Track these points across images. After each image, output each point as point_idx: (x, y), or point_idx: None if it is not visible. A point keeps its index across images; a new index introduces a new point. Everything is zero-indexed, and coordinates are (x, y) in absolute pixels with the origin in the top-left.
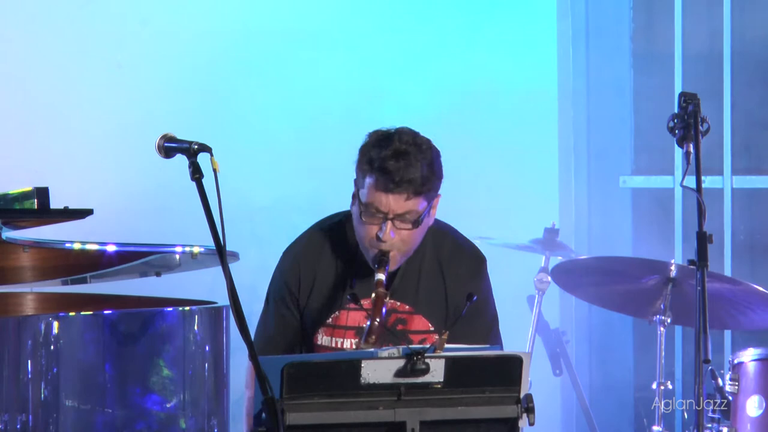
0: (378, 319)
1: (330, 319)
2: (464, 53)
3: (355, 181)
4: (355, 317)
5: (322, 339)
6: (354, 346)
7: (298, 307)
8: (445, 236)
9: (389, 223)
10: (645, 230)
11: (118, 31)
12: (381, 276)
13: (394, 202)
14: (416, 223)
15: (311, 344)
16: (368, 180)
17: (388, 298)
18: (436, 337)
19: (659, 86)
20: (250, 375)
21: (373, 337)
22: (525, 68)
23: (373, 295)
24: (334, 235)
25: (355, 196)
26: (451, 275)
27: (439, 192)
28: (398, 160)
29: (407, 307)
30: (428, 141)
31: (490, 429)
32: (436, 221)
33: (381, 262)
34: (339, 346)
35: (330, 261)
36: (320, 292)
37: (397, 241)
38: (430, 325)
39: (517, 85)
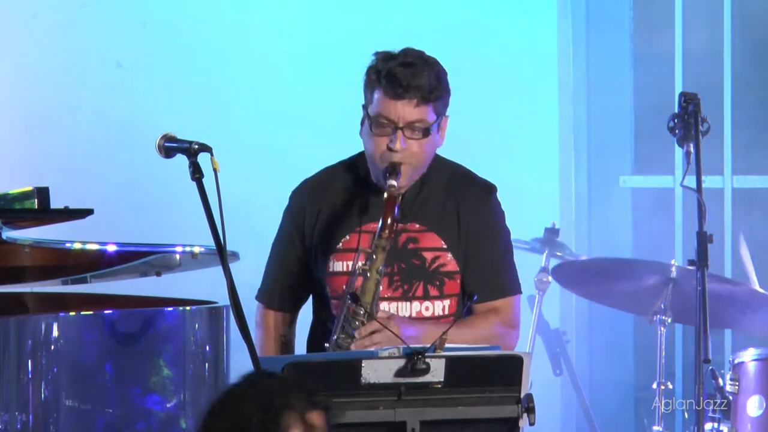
0: (390, 218)
1: (341, 244)
2: (464, 53)
3: (363, 106)
4: (366, 239)
5: (334, 265)
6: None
7: (304, 242)
8: (456, 167)
9: (399, 132)
10: (645, 230)
11: (118, 31)
12: (393, 182)
13: (402, 109)
14: (426, 132)
15: (321, 279)
16: (377, 92)
17: (400, 198)
18: (449, 255)
19: (659, 86)
20: (258, 319)
21: (386, 232)
22: (525, 68)
23: (385, 195)
24: (341, 170)
25: (364, 118)
26: (462, 200)
27: (447, 114)
28: (406, 68)
29: (418, 226)
30: (434, 58)
31: (491, 429)
32: (447, 159)
33: (393, 170)
34: (350, 268)
35: (336, 192)
36: (327, 221)
37: (408, 153)
38: (442, 242)
39: (517, 84)
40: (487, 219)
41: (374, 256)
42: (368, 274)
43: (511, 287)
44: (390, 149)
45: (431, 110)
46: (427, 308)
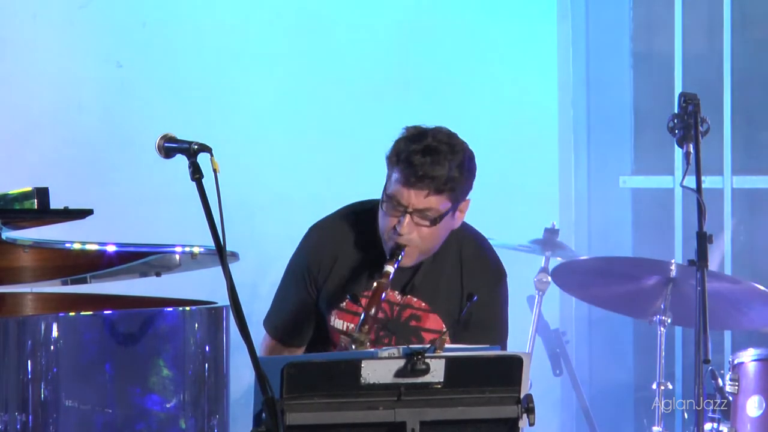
0: (373, 310)
1: (344, 303)
2: (464, 53)
3: (387, 174)
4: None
5: (335, 321)
6: (349, 339)
7: (316, 286)
8: (472, 244)
9: (408, 217)
10: (645, 230)
11: (118, 31)
12: (389, 268)
13: (414, 197)
14: (435, 222)
15: (325, 323)
16: (394, 172)
17: (387, 291)
18: (446, 337)
19: (659, 86)
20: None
21: (367, 327)
22: (525, 68)
23: (375, 284)
24: (363, 222)
25: (384, 189)
26: (470, 282)
27: (469, 197)
28: (425, 155)
29: (424, 304)
30: (464, 143)
31: (490, 429)
32: (468, 227)
33: (393, 254)
34: (350, 330)
35: (354, 246)
36: (339, 275)
37: (415, 236)
38: (444, 326)
39: (517, 84)
40: (492, 308)
41: (353, 347)
42: None
43: None
44: (396, 231)
45: (445, 199)
46: None
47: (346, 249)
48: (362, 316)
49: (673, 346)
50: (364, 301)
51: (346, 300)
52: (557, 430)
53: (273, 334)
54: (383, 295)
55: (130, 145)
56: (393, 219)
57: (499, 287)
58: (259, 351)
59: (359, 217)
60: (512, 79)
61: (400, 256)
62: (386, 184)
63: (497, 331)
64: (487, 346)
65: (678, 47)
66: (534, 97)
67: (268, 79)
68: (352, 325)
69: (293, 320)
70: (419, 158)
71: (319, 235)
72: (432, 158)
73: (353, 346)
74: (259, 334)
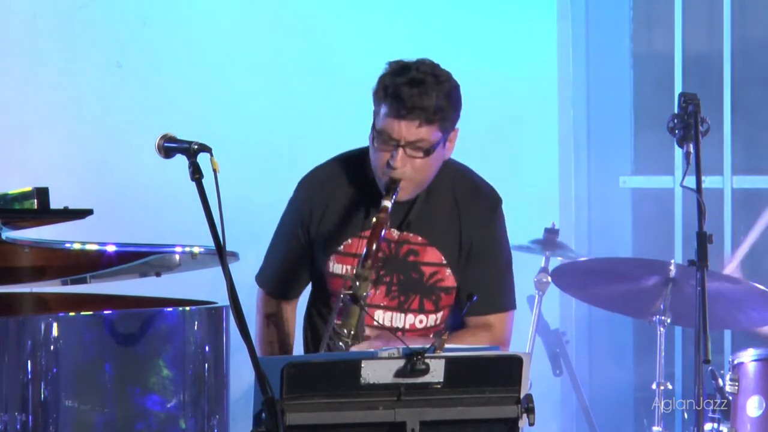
0: (375, 246)
1: (342, 246)
2: (464, 53)
3: (374, 112)
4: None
5: (334, 266)
6: (351, 279)
7: (308, 234)
8: (464, 175)
9: (400, 150)
10: (645, 230)
11: (118, 31)
12: (386, 203)
13: (405, 129)
14: (428, 152)
15: (321, 272)
16: (382, 107)
17: (387, 225)
18: (448, 270)
19: (659, 86)
20: (259, 304)
21: (370, 262)
22: (525, 68)
23: (374, 219)
24: (351, 164)
25: (373, 126)
26: (466, 214)
27: (457, 127)
28: (412, 87)
29: (420, 239)
30: (448, 73)
31: (490, 429)
32: (456, 161)
33: (389, 189)
34: (349, 272)
35: (345, 189)
36: (332, 218)
37: (409, 169)
38: (443, 258)
39: (517, 84)
40: (490, 234)
41: (357, 284)
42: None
43: (507, 303)
44: (390, 165)
45: (436, 129)
46: (420, 321)
47: (337, 193)
48: (364, 252)
49: (673, 346)
50: (362, 244)
51: (344, 243)
52: (557, 430)
53: (267, 288)
54: (383, 230)
55: (130, 145)
56: (385, 154)
57: (496, 213)
58: (254, 311)
59: (347, 162)
60: (512, 78)
61: (396, 190)
62: (374, 120)
63: (501, 261)
64: (497, 292)
65: (678, 47)
66: (534, 96)
67: (268, 79)
68: (352, 267)
69: (287, 272)
70: (407, 90)
71: (309, 183)
72: (419, 89)
73: (357, 283)
74: None
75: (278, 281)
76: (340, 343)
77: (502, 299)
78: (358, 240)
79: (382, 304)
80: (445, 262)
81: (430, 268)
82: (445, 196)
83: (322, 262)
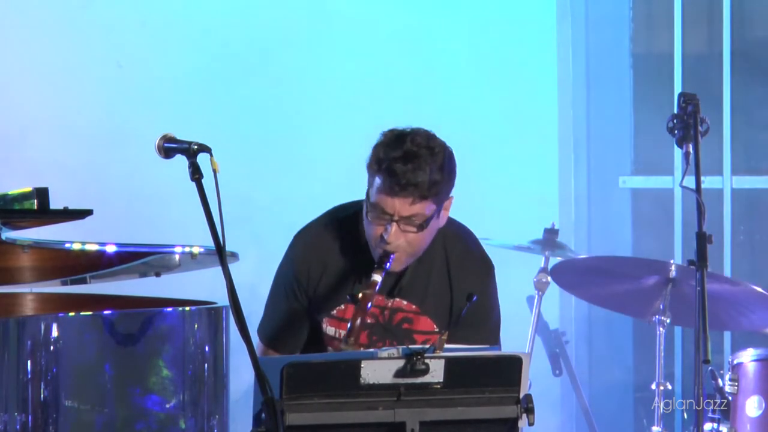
0: (359, 321)
1: (335, 311)
2: (464, 53)
3: (368, 180)
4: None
5: (327, 329)
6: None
7: (306, 295)
8: (457, 239)
9: (394, 224)
10: (645, 230)
11: (118, 31)
12: (376, 277)
13: (399, 205)
14: (422, 227)
15: (316, 329)
16: (376, 180)
17: (374, 300)
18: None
19: (659, 86)
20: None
21: (352, 339)
22: (524, 68)
23: (360, 294)
24: (346, 228)
25: (366, 196)
26: (458, 280)
27: (451, 195)
28: (406, 162)
29: (414, 306)
30: (442, 144)
31: (490, 429)
32: (452, 222)
33: (380, 262)
34: (342, 337)
35: (340, 254)
36: (328, 283)
37: (403, 243)
38: (434, 326)
39: (516, 85)
40: (482, 302)
41: None
42: None
43: None
44: (383, 239)
45: (430, 203)
46: None
47: (333, 257)
48: (348, 327)
49: (673, 346)
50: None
51: (337, 308)
52: (557, 430)
53: (267, 343)
54: (369, 304)
55: (130, 145)
56: (379, 227)
57: (488, 280)
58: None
59: (343, 223)
60: (512, 79)
61: (387, 264)
62: (368, 191)
63: (489, 324)
64: (486, 346)
65: (678, 47)
66: (534, 97)
67: (268, 78)
68: (343, 332)
69: (286, 329)
70: (401, 166)
71: (306, 244)
72: (413, 164)
73: None
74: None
75: (279, 338)
76: None
77: None
78: (351, 306)
79: None
80: (437, 330)
81: (423, 336)
82: (438, 261)
83: (317, 321)
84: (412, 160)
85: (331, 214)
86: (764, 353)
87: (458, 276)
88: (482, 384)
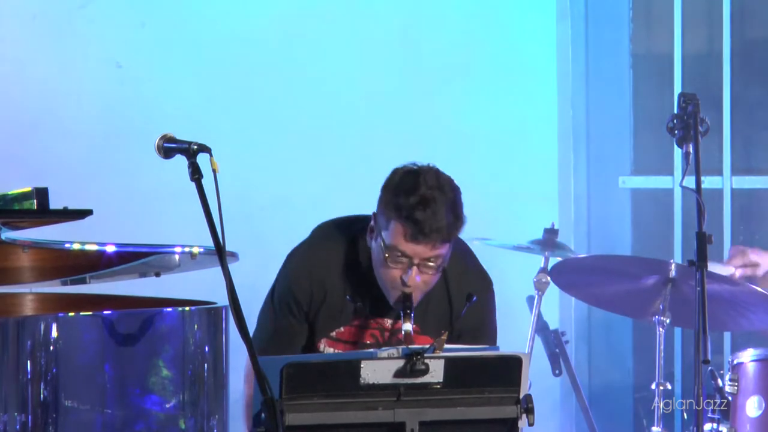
0: None
1: (334, 333)
2: (464, 53)
3: (375, 216)
4: (359, 334)
5: (325, 348)
6: None
7: (306, 316)
8: (456, 259)
9: (415, 268)
10: (644, 230)
11: (118, 32)
12: (408, 327)
13: (421, 250)
14: (440, 268)
15: (311, 348)
16: (394, 225)
17: (376, 320)
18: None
19: (659, 86)
20: (248, 372)
21: None
22: (524, 68)
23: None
24: (342, 248)
25: (375, 232)
26: (458, 298)
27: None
28: (425, 209)
29: (414, 327)
30: (449, 181)
31: (490, 429)
32: None
33: (406, 308)
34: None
35: (340, 278)
36: (329, 307)
37: (421, 284)
38: None
39: (516, 84)
40: (479, 318)
41: None
42: None
43: None
44: (403, 282)
45: (448, 245)
46: None
47: (333, 279)
48: None
49: (673, 346)
50: (353, 333)
51: (337, 330)
52: (557, 430)
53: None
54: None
55: (130, 146)
56: (397, 271)
57: (488, 295)
58: (245, 370)
59: (338, 243)
60: (512, 78)
61: (412, 309)
62: (383, 233)
63: (487, 339)
64: (485, 346)
65: (678, 47)
66: (534, 97)
67: (267, 78)
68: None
69: (280, 345)
70: (421, 213)
71: (306, 268)
72: (431, 209)
73: None
74: None
75: (272, 352)
76: None
77: None
78: (350, 329)
79: None
80: (444, 332)
81: None
82: (437, 286)
83: (314, 341)
84: (430, 206)
85: (324, 232)
86: (764, 353)
87: (457, 294)
88: (482, 384)
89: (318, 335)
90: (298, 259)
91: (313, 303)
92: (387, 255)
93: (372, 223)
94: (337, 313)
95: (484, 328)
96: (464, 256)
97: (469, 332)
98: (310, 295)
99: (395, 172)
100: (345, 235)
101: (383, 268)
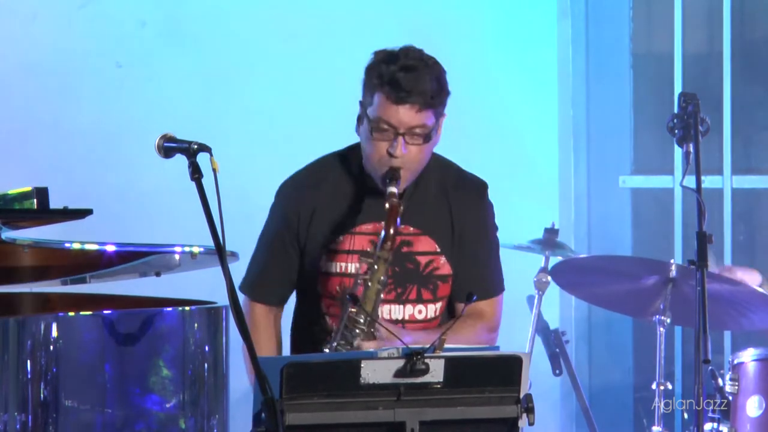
0: (392, 229)
1: (334, 245)
2: (463, 53)
3: (361, 102)
4: (360, 241)
5: (327, 266)
6: (358, 269)
7: (298, 238)
8: (448, 166)
9: (400, 138)
10: (645, 230)
11: (118, 31)
12: (393, 189)
13: (404, 115)
14: (427, 138)
15: (312, 274)
16: (378, 95)
17: (401, 209)
18: (443, 258)
19: (659, 86)
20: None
21: (389, 243)
22: (524, 68)
23: (387, 205)
24: (334, 161)
25: (361, 117)
26: (456, 201)
27: (445, 112)
28: (408, 72)
29: (412, 229)
30: (433, 58)
31: (490, 429)
32: (438, 155)
33: (393, 176)
34: (343, 270)
35: (332, 188)
36: (322, 219)
37: (408, 158)
38: (436, 246)
39: (516, 84)
40: (479, 219)
41: (375, 267)
42: (369, 284)
43: (497, 288)
44: (390, 154)
45: (431, 114)
46: (420, 311)
47: (323, 194)
48: (382, 235)
49: (673, 346)
50: (355, 241)
51: (337, 241)
52: (557, 430)
53: (253, 296)
54: (398, 215)
55: (130, 145)
56: (384, 143)
57: (485, 198)
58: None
59: (327, 163)
60: (512, 78)
61: (399, 177)
62: (365, 111)
63: (489, 244)
64: (486, 272)
65: (678, 47)
66: (534, 96)
67: (268, 78)
68: (348, 264)
69: (273, 279)
70: (403, 75)
71: (293, 187)
72: (414, 74)
73: (375, 266)
74: None
75: (268, 286)
76: (356, 330)
77: (492, 285)
78: (351, 237)
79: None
80: (439, 250)
81: (426, 257)
82: (433, 186)
83: (313, 262)
84: (412, 71)
85: (313, 161)
86: (764, 353)
87: (455, 195)
88: (482, 384)
89: (319, 251)
90: (280, 189)
91: (302, 222)
92: (372, 128)
93: (359, 112)
94: (333, 224)
95: (483, 234)
96: (456, 166)
97: (470, 240)
98: (298, 215)
99: (376, 52)
100: (331, 154)
101: (370, 145)
